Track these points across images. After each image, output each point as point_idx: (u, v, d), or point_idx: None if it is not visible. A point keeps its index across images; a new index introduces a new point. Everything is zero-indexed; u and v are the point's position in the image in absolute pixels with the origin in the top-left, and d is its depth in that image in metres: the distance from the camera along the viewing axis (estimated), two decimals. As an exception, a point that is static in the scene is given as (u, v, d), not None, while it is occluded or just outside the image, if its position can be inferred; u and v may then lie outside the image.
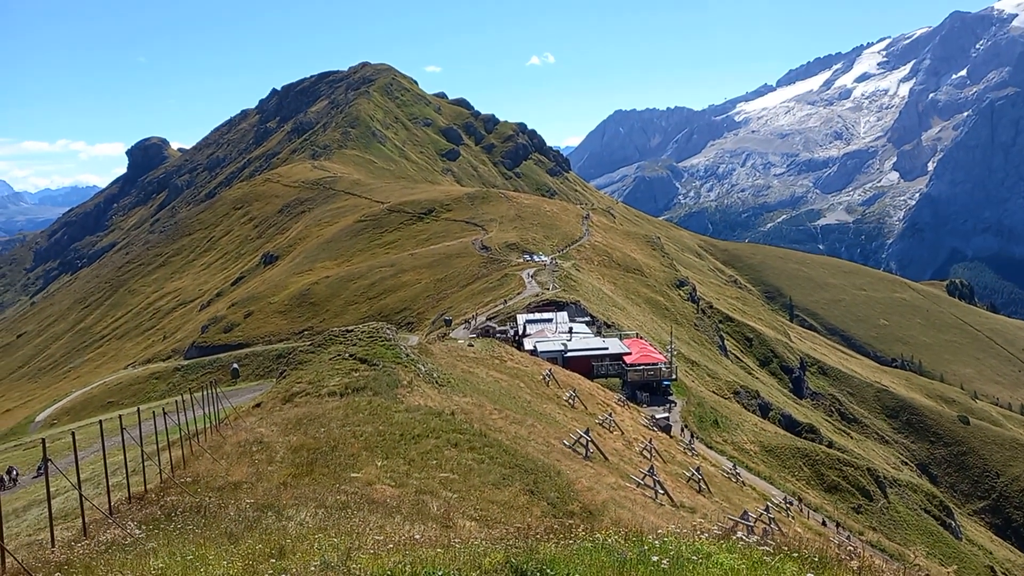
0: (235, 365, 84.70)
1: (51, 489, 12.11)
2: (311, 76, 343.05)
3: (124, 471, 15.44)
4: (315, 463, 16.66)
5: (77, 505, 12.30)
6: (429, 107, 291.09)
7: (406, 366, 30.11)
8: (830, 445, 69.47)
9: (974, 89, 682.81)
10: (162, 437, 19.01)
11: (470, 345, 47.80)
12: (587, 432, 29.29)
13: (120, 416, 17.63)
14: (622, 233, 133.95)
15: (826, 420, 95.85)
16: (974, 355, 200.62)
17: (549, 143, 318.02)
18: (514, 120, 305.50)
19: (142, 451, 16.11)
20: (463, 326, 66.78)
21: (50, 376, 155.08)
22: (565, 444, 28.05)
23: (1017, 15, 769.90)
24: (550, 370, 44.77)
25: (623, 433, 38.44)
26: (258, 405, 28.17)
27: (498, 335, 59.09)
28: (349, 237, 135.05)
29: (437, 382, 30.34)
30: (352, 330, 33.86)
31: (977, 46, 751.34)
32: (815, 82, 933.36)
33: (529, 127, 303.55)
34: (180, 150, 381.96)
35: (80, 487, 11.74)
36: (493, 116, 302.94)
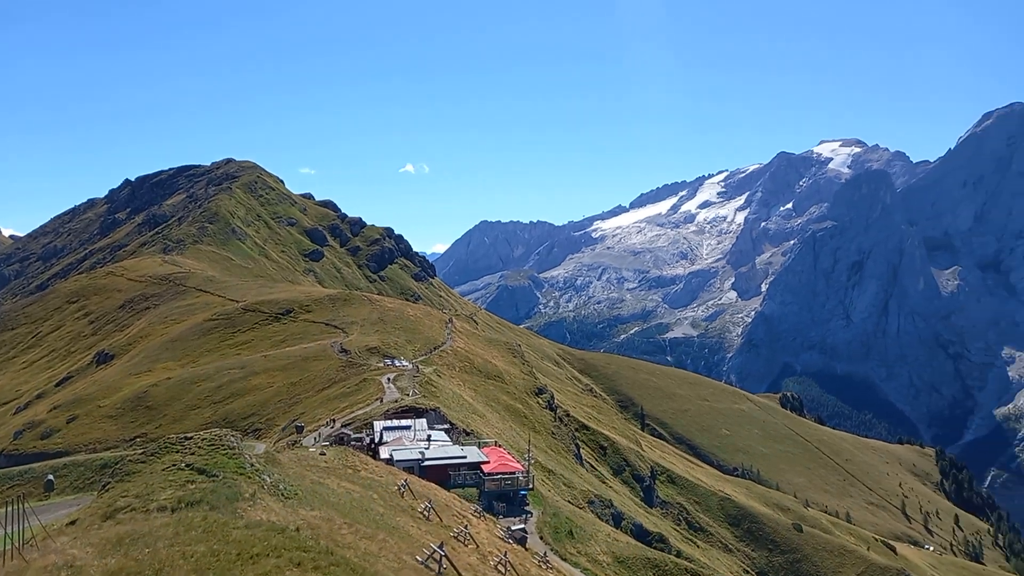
0: (50, 476, 75.63)
1: None
2: (170, 169, 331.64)
3: None
4: (135, 589, 15.04)
5: None
6: (295, 207, 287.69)
7: (250, 477, 28.24)
8: (678, 555, 70.98)
9: (799, 220, 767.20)
10: (-51, 563, 16.55)
11: (322, 454, 45.68)
12: (441, 546, 28.39)
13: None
14: (484, 339, 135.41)
15: (675, 529, 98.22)
16: (805, 464, 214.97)
17: (416, 249, 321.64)
18: (383, 224, 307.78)
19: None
20: (316, 433, 63.92)
21: None
22: (418, 560, 26.98)
23: (832, 159, 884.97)
24: (406, 480, 43.40)
25: (478, 546, 37.53)
26: (73, 523, 25.20)
27: (353, 443, 56.98)
28: (197, 336, 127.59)
29: (283, 495, 28.59)
30: (191, 437, 31.53)
31: (801, 183, 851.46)
32: (663, 206, 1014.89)
33: (397, 232, 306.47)
34: (12, 237, 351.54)
35: None
36: (360, 219, 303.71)
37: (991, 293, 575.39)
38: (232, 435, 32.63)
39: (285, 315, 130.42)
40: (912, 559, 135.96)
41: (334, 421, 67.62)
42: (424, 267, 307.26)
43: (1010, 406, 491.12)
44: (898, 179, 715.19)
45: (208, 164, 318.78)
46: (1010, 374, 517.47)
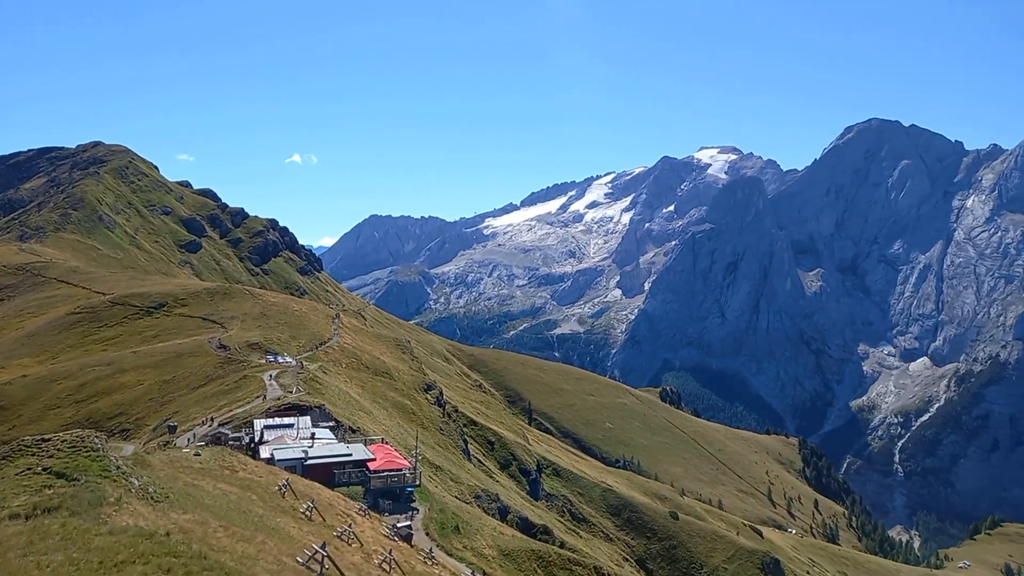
0: None
1: None
2: (29, 150, 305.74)
3: None
4: (-19, 605, 13.89)
5: None
6: (170, 195, 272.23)
7: (116, 480, 26.60)
8: (562, 545, 72.75)
9: (680, 222, 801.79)
10: None
11: (197, 454, 43.64)
12: (323, 546, 27.79)
13: None
14: (372, 335, 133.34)
15: (559, 521, 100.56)
16: (682, 455, 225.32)
17: (303, 242, 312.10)
18: (267, 215, 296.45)
19: None
20: (191, 433, 60.96)
21: None
22: (299, 561, 26.31)
23: (711, 165, 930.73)
24: (287, 480, 42.16)
25: (362, 545, 37.02)
26: (-92, 535, 22.90)
27: (231, 442, 54.79)
28: (57, 331, 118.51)
29: (153, 498, 27.11)
30: (50, 439, 29.34)
31: (682, 187, 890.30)
32: (553, 205, 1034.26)
33: (282, 224, 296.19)
34: None
35: None
36: (242, 210, 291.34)
37: (849, 294, 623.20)
38: (96, 436, 30.62)
39: (158, 309, 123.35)
40: (777, 542, 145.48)
41: (212, 420, 64.74)
42: (310, 261, 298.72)
43: (864, 398, 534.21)
44: (770, 186, 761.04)
45: (73, 147, 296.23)
46: (864, 369, 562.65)
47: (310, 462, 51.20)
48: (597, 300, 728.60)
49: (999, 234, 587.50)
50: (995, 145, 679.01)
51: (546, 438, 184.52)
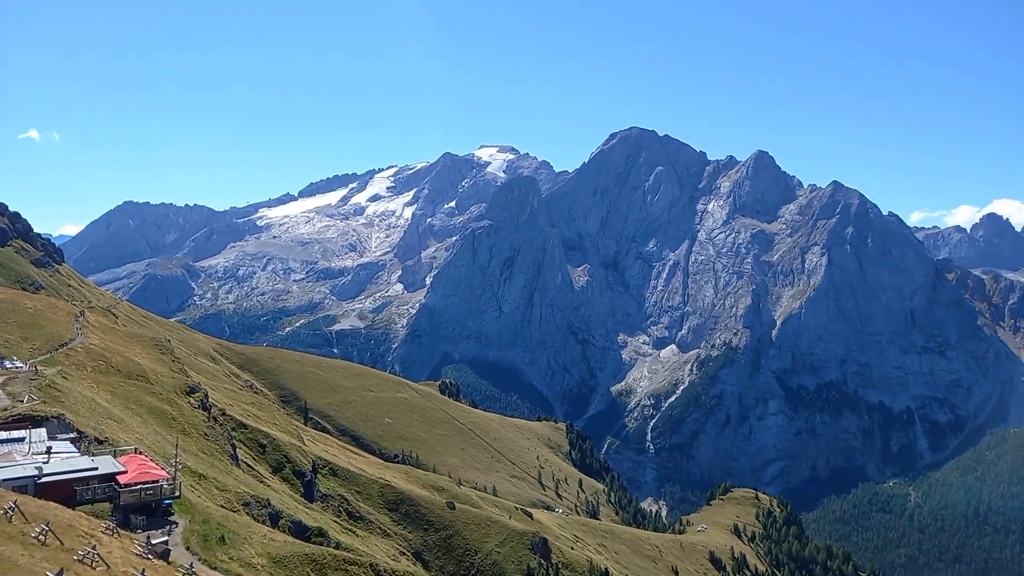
0: None
1: None
2: None
3: None
4: None
5: None
6: None
7: None
8: (338, 546, 71.91)
9: (461, 218, 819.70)
10: None
11: None
12: (60, 573, 25.42)
13: None
14: (125, 335, 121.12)
15: (335, 521, 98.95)
16: (459, 446, 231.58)
17: (40, 230, 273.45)
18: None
19: None
20: None
21: None
22: (27, 593, 23.78)
23: (490, 163, 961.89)
24: (15, 502, 37.60)
25: (109, 567, 34.18)
26: None
27: (-58, 464, 47.43)
28: None
29: None
30: None
31: (463, 183, 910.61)
32: (333, 197, 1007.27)
33: (12, 208, 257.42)
34: None
35: None
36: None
37: (611, 288, 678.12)
38: None
39: None
40: (545, 522, 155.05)
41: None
42: (49, 251, 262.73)
43: (622, 384, 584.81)
44: (544, 185, 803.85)
45: None
46: (623, 356, 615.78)
47: (45, 480, 46.14)
48: (379, 295, 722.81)
49: (733, 235, 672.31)
50: (731, 156, 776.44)
51: (323, 437, 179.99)
